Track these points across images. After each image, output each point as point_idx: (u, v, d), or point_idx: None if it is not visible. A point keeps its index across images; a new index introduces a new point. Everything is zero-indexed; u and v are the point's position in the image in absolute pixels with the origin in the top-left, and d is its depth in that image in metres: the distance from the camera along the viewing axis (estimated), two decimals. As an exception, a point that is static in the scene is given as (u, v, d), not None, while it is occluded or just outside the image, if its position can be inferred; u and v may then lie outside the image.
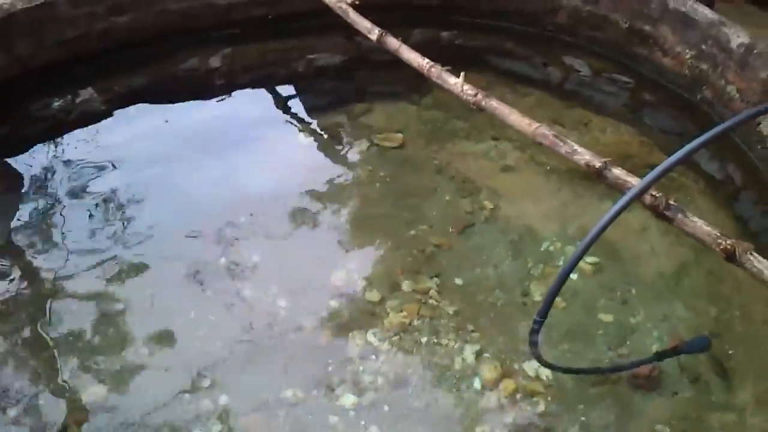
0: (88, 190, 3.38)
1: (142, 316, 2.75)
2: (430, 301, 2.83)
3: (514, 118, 2.87)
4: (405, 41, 3.49)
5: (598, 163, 2.54)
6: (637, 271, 3.00)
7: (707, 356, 2.62)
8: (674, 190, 3.30)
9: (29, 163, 3.56)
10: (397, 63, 3.52)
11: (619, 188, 2.47)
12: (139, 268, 2.96)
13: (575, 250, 2.02)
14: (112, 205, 3.29)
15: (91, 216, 3.22)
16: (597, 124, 3.82)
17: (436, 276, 2.94)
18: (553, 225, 3.20)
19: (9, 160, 3.58)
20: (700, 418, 2.47)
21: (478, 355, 2.62)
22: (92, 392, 2.47)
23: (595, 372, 2.57)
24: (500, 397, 2.50)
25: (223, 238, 3.11)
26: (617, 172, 2.50)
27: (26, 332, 2.68)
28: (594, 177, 2.60)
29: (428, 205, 3.30)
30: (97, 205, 3.28)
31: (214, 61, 4.31)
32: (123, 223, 3.19)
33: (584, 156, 2.60)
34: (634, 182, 2.39)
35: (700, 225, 2.29)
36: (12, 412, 2.39)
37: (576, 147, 2.65)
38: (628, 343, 2.69)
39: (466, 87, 3.04)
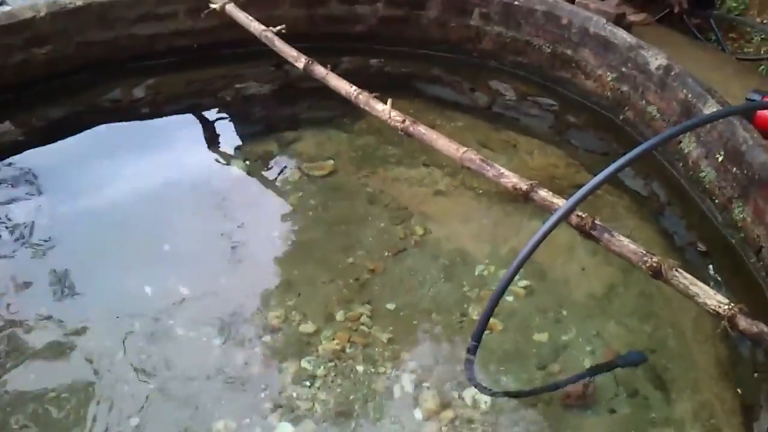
0: (5, 219, 3.27)
1: (67, 356, 2.64)
2: (362, 327, 2.80)
3: (442, 143, 2.89)
4: (334, 69, 3.50)
5: (524, 186, 2.57)
6: (568, 291, 3.03)
7: (644, 370, 2.65)
8: (601, 207, 3.37)
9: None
10: (327, 90, 3.52)
11: (546, 209, 2.50)
12: (63, 306, 2.85)
13: (505, 274, 2.03)
14: (29, 238, 3.17)
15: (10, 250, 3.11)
16: (524, 146, 3.88)
17: (367, 302, 2.91)
18: (485, 247, 3.22)
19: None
20: (639, 436, 2.49)
21: (417, 384, 2.59)
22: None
23: (532, 393, 2.57)
24: (440, 427, 2.47)
25: (149, 269, 3.03)
26: (543, 193, 2.54)
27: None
28: (521, 199, 2.63)
29: (362, 232, 3.28)
30: (14, 238, 3.17)
31: (138, 92, 4.23)
32: (37, 251, 3.10)
33: (511, 179, 2.63)
34: (560, 203, 2.43)
35: (626, 244, 2.34)
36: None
37: (502, 170, 2.68)
38: (560, 359, 2.71)
39: (393, 113, 3.05)
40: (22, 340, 2.69)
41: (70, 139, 3.86)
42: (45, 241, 3.16)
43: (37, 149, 3.77)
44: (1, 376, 2.55)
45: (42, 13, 3.93)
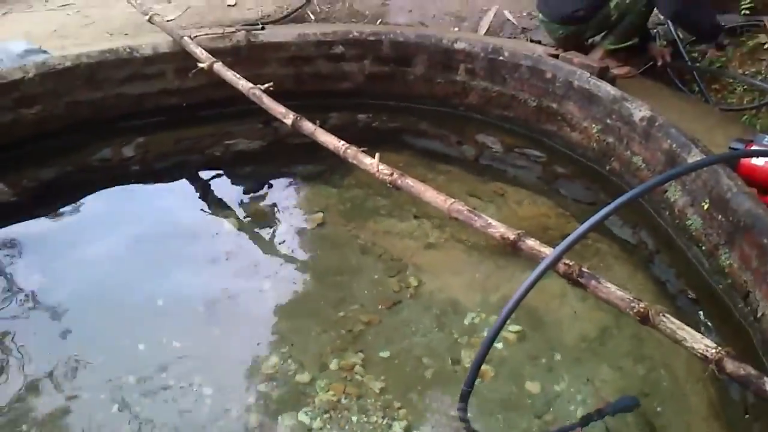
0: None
1: (62, 413, 2.60)
2: (356, 377, 2.76)
3: (430, 194, 2.90)
4: (322, 125, 3.52)
5: (512, 235, 2.58)
6: (560, 335, 3.01)
7: (636, 416, 2.61)
8: (591, 256, 3.38)
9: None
10: (316, 145, 3.55)
11: (534, 259, 2.50)
12: (57, 361, 2.81)
13: (496, 321, 2.02)
14: (22, 300, 3.13)
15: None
16: (513, 195, 3.90)
17: (360, 351, 2.88)
18: (476, 296, 3.21)
19: None
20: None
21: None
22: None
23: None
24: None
25: (143, 325, 3.01)
26: (531, 243, 2.54)
27: None
28: (509, 249, 2.63)
29: (355, 283, 3.27)
30: (5, 302, 3.13)
31: (128, 151, 4.25)
32: (34, 313, 3.07)
33: (498, 229, 2.64)
34: (548, 252, 2.43)
35: (613, 290, 2.33)
36: None
37: (490, 220, 2.69)
38: (551, 410, 2.67)
39: (381, 167, 3.07)
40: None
41: (61, 200, 3.85)
42: (37, 299, 3.14)
43: (28, 211, 3.75)
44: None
45: (31, 74, 3.98)
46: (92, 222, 3.70)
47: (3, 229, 3.60)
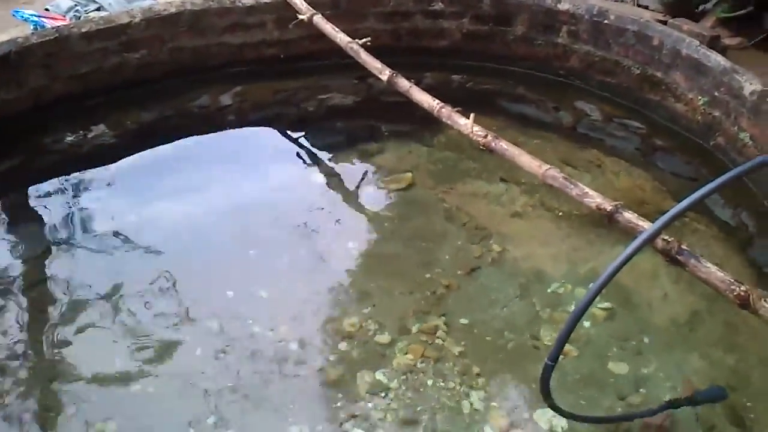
0: (96, 222, 3.37)
1: (150, 351, 2.70)
2: (437, 341, 2.76)
3: (524, 159, 2.84)
4: (416, 83, 3.50)
5: (609, 207, 2.50)
6: (649, 318, 2.92)
7: (724, 407, 2.52)
8: (688, 235, 3.25)
9: (40, 195, 3.56)
10: (407, 104, 3.52)
11: (630, 232, 2.42)
12: (147, 302, 2.92)
13: (586, 294, 1.96)
14: (120, 238, 3.27)
15: (98, 250, 3.20)
16: (610, 166, 3.79)
17: (443, 315, 2.88)
18: (562, 267, 3.15)
19: (20, 192, 3.59)
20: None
21: (486, 401, 2.54)
22: (101, 427, 2.41)
23: (609, 420, 2.48)
24: (512, 447, 2.42)
25: (231, 273, 3.08)
26: (629, 215, 2.45)
27: (32, 366, 2.65)
28: (605, 221, 2.56)
29: (438, 247, 3.25)
30: (105, 238, 3.26)
31: (225, 99, 4.33)
32: (132, 254, 3.18)
33: (595, 199, 2.56)
34: (646, 226, 2.34)
35: (713, 271, 2.23)
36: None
37: (586, 189, 2.61)
38: (641, 391, 2.61)
39: (476, 128, 3.02)
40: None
41: (159, 143, 3.98)
42: (132, 240, 3.25)
43: (127, 153, 3.89)
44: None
45: (137, 19, 4.09)
46: (187, 167, 3.80)
47: (102, 170, 3.75)
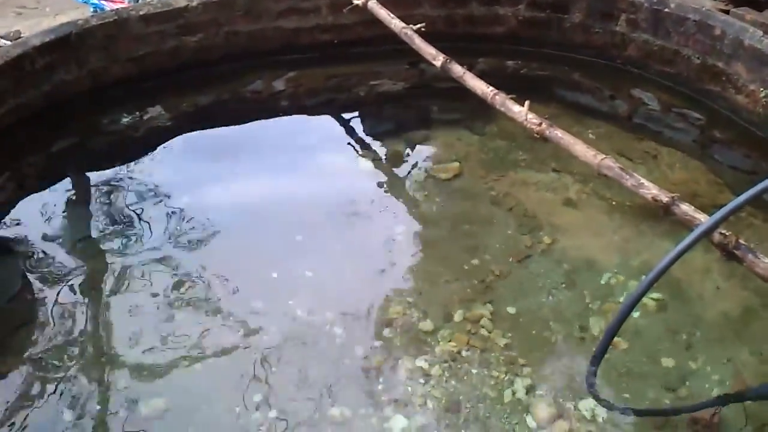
0: (148, 202, 3.45)
1: (199, 330, 2.76)
2: (481, 330, 2.75)
3: (579, 148, 2.80)
4: (469, 70, 3.46)
5: (665, 198, 2.45)
6: (701, 311, 2.86)
7: (777, 406, 2.46)
8: (743, 229, 3.15)
9: (95, 174, 3.65)
10: (459, 91, 3.50)
11: (687, 225, 2.37)
12: (194, 281, 2.98)
13: (639, 284, 1.93)
14: (172, 218, 3.34)
15: (149, 229, 3.27)
16: (666, 158, 3.70)
17: (489, 303, 2.86)
18: (613, 257, 3.10)
19: (77, 171, 3.68)
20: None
21: (529, 390, 2.52)
22: (151, 405, 2.48)
23: (656, 413, 2.45)
24: (554, 437, 2.40)
25: (278, 256, 3.12)
26: (685, 207, 2.40)
27: (89, 340, 2.73)
28: (660, 212, 2.51)
29: (486, 235, 3.23)
30: (157, 218, 3.34)
31: (279, 84, 4.37)
32: (183, 235, 3.24)
33: (651, 190, 2.51)
34: (703, 219, 2.29)
35: (772, 266, 2.17)
36: (68, 416, 2.42)
37: (642, 180, 2.56)
38: (687, 384, 2.56)
39: (530, 116, 2.99)
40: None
41: (213, 126, 4.05)
42: (184, 220, 3.33)
43: (182, 134, 3.98)
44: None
45: (194, 3, 4.14)
46: (239, 151, 3.84)
47: (157, 151, 3.83)
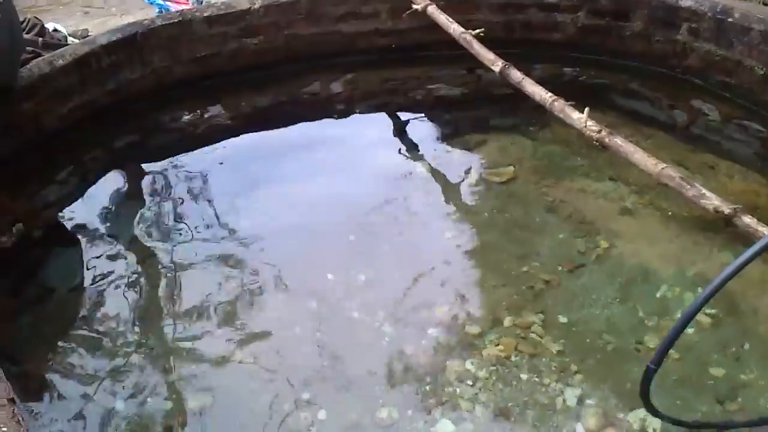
0: (205, 201, 3.53)
1: (249, 327, 2.81)
2: (531, 336, 2.74)
3: (639, 157, 2.78)
4: (526, 75, 3.46)
5: (727, 209, 2.43)
6: (755, 326, 2.79)
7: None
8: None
9: (155, 171, 3.77)
10: (515, 97, 3.51)
11: (748, 237, 2.34)
12: (249, 279, 3.04)
13: (697, 297, 1.91)
14: (228, 218, 3.40)
15: (205, 228, 3.34)
16: (724, 169, 3.63)
17: (540, 312, 2.85)
18: (669, 269, 3.05)
19: (137, 168, 3.80)
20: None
21: (581, 399, 2.51)
22: (198, 398, 2.52)
23: (706, 426, 2.41)
24: (604, 446, 2.38)
25: (331, 257, 3.16)
26: (748, 220, 2.38)
27: (145, 331, 2.80)
28: (722, 224, 2.48)
29: (539, 241, 3.22)
30: (213, 217, 3.42)
31: (336, 87, 4.44)
32: (239, 233, 3.30)
33: (713, 201, 2.49)
34: (766, 232, 2.26)
35: (836, 283, 2.13)
36: (120, 406, 2.49)
37: (704, 191, 2.54)
38: (738, 400, 2.51)
39: (589, 123, 2.98)
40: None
41: (271, 128, 4.14)
42: (238, 221, 3.39)
43: (240, 134, 4.07)
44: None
45: (256, 5, 4.23)
46: (296, 152, 3.89)
47: (215, 150, 3.92)
